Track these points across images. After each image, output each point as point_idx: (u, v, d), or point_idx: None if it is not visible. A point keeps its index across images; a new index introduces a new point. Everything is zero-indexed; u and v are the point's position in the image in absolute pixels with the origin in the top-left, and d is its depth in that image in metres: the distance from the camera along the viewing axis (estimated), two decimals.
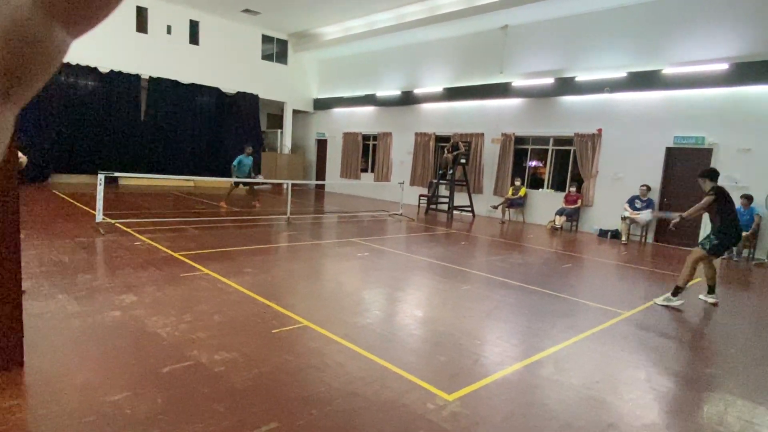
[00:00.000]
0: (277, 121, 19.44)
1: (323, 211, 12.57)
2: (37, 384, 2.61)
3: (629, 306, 5.07)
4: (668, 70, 9.80)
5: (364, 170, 17.58)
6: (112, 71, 13.85)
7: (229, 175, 11.40)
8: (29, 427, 2.24)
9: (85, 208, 9.00)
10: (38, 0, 0.16)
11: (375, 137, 16.94)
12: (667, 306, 5.10)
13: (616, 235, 10.46)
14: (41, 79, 0.18)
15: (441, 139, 14.69)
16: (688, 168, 9.89)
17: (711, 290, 5.41)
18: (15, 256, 2.69)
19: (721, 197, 5.09)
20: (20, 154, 3.27)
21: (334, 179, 18.27)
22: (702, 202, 5.12)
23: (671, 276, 6.88)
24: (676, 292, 5.14)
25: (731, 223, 5.07)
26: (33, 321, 3.34)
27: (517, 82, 12.33)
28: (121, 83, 14.09)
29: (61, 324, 3.45)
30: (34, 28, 0.16)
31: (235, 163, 10.78)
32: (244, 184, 11.30)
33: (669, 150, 10.09)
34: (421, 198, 14.19)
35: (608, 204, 10.89)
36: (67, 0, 0.16)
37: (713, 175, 5.23)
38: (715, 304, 5.34)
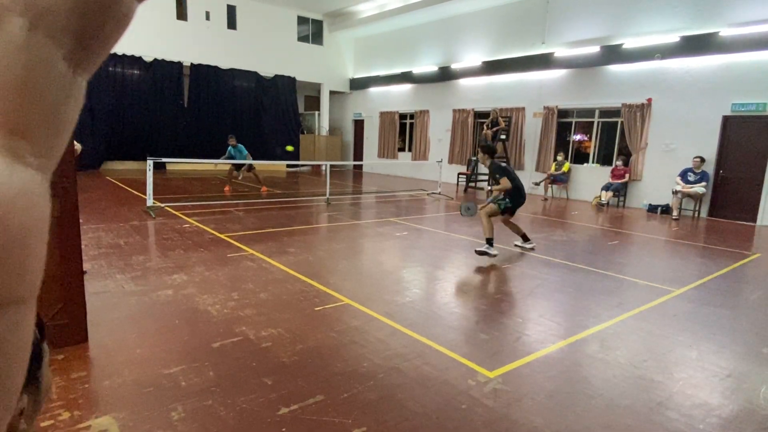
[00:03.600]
0: (314, 102, 19.56)
1: (362, 192, 12.65)
2: (100, 357, 2.81)
3: (680, 283, 4.87)
4: (726, 32, 9.11)
5: (402, 149, 17.48)
6: (155, 60, 14.30)
7: (269, 158, 11.04)
8: (96, 396, 2.41)
9: (135, 193, 9.44)
10: None
11: (412, 115, 16.77)
12: (485, 253, 5.46)
13: (666, 210, 9.99)
14: (109, 46, 0.19)
15: (480, 115, 14.36)
16: (747, 137, 9.27)
17: (525, 239, 6.11)
18: (76, 239, 2.87)
19: (507, 171, 5.70)
20: (75, 143, 3.45)
21: (371, 159, 18.29)
22: (501, 185, 5.59)
23: (725, 252, 6.53)
24: (489, 242, 5.52)
25: (517, 188, 5.68)
26: (94, 299, 3.57)
27: (560, 53, 11.82)
28: (165, 71, 14.53)
29: (119, 302, 3.68)
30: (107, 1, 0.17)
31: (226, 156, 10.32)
32: (246, 168, 10.68)
33: (726, 118, 9.46)
34: (460, 176, 14.00)
35: (658, 178, 10.38)
36: None
37: (491, 151, 5.79)
38: (533, 248, 6.06)
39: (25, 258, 0.15)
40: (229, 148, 10.28)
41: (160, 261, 4.84)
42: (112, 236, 5.74)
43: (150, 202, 7.46)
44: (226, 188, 10.68)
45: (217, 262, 4.90)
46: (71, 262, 2.84)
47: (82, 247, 3.01)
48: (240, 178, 11.06)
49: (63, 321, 2.81)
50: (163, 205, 7.92)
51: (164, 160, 8.54)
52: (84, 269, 3.08)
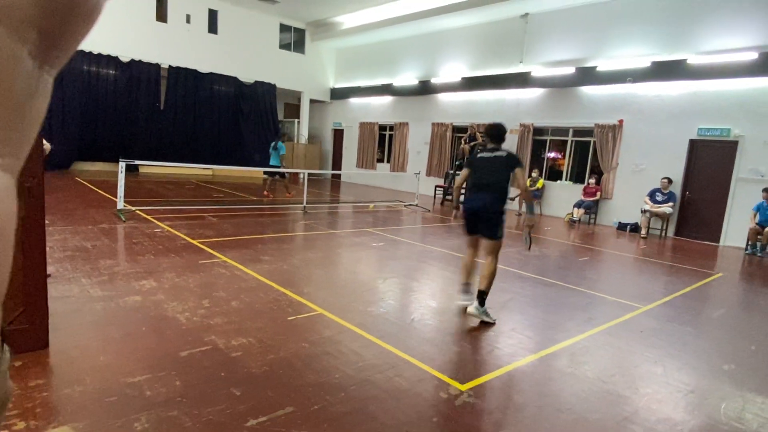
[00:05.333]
0: (294, 110, 19.49)
1: (339, 201, 12.61)
2: (61, 365, 2.70)
3: (647, 300, 5.00)
4: (694, 60, 9.52)
5: (380, 160, 17.55)
6: (132, 60, 14.03)
7: (246, 164, 11.54)
8: (55, 405, 2.31)
9: (106, 195, 9.19)
10: None
11: (391, 127, 16.88)
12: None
13: (635, 228, 10.29)
14: (76, 41, 0.18)
15: (458, 130, 14.56)
16: (712, 161, 9.66)
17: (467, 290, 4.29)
18: (40, 241, 2.76)
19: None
20: (44, 141, 3.35)
21: (350, 169, 18.29)
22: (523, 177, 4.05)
23: (690, 271, 6.75)
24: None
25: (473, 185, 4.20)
26: (57, 304, 3.44)
27: (537, 72, 12.12)
28: (142, 72, 14.28)
29: (83, 307, 3.55)
30: None
31: (283, 150, 11.05)
32: (281, 174, 11.71)
33: (693, 142, 9.85)
34: (437, 189, 14.13)
35: (628, 197, 10.69)
36: None
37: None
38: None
39: None
40: (280, 142, 11.00)
41: (128, 266, 4.71)
42: (79, 239, 5.56)
43: (121, 204, 7.27)
44: (290, 194, 11.54)
45: (188, 268, 4.79)
46: (34, 265, 2.73)
47: (47, 249, 2.90)
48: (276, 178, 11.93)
49: (23, 326, 2.70)
50: (134, 208, 7.73)
51: (137, 162, 8.34)
52: (48, 272, 2.97)
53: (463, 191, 4.33)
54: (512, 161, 3.97)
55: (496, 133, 4.16)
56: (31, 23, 0.16)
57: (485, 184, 3.99)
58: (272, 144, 11.11)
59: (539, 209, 12.42)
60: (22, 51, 0.16)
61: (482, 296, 3.93)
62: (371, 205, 11.07)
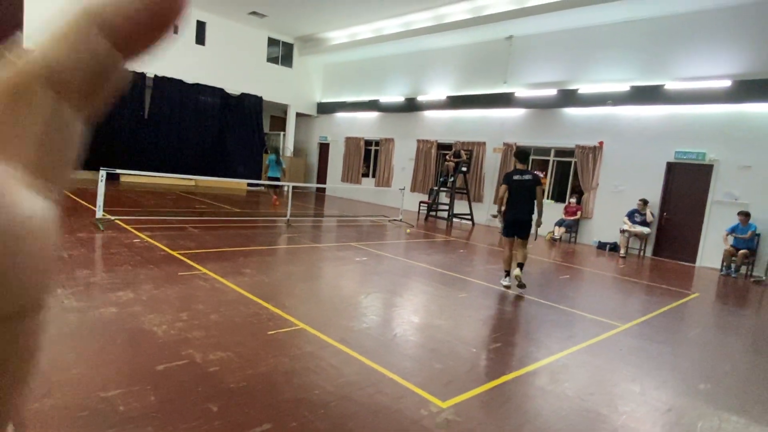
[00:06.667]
0: (280, 123, 19.49)
1: (323, 215, 12.57)
2: None
3: (626, 319, 5.07)
4: (671, 86, 9.84)
5: (365, 175, 17.61)
6: None
7: (230, 175, 11.50)
8: (22, 420, 2.23)
9: (85, 203, 9.00)
10: (113, 44, 0.21)
11: (377, 143, 16.98)
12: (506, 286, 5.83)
13: (614, 247, 10.46)
14: (109, 97, 0.23)
15: (443, 147, 14.72)
16: (688, 183, 9.93)
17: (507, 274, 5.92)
18: None
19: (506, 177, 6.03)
20: None
21: (335, 183, 18.30)
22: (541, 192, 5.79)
23: (667, 290, 6.87)
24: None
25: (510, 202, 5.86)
26: None
27: (520, 93, 12.37)
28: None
29: (57, 318, 3.45)
30: (108, 66, 0.21)
31: (284, 164, 11.68)
32: (274, 186, 12.24)
33: (670, 165, 10.12)
34: (422, 205, 14.20)
35: (608, 217, 10.90)
36: (135, 41, 0.21)
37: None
38: (508, 287, 5.81)
39: (48, 267, 0.18)
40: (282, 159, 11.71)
41: (105, 276, 4.60)
42: None
43: (99, 214, 7.13)
44: (278, 203, 11.83)
45: (167, 280, 4.70)
46: None
47: None
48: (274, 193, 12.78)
49: None
50: (113, 218, 7.59)
51: (118, 171, 8.21)
52: None
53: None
54: (536, 182, 5.73)
55: (523, 155, 6.09)
56: (79, 91, 0.20)
57: (524, 202, 5.72)
58: (274, 158, 11.47)
59: None
60: (71, 113, 0.21)
61: (521, 265, 5.68)
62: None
